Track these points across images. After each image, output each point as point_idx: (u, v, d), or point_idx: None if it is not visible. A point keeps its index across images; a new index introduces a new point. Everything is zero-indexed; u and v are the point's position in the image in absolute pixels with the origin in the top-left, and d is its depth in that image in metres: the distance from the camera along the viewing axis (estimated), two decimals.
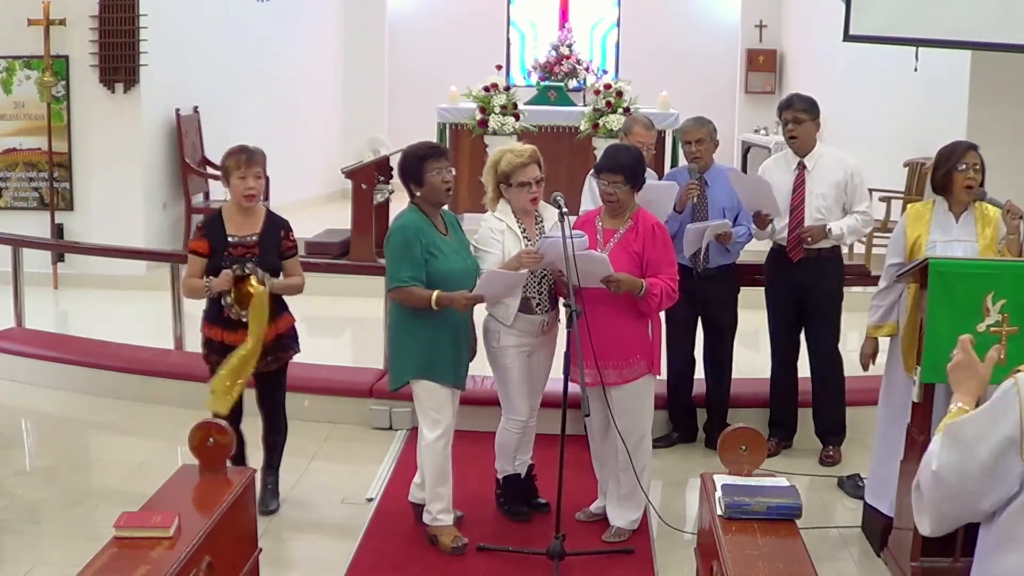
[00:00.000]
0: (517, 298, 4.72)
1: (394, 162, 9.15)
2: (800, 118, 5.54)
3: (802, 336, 5.80)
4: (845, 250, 6.20)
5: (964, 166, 4.61)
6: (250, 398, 5.09)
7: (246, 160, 4.82)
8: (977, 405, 2.55)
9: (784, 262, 5.64)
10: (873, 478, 4.93)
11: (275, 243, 4.91)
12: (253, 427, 5.11)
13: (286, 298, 5.04)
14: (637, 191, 4.74)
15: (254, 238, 4.86)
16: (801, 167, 5.59)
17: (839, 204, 5.55)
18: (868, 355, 5.01)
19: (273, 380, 5.07)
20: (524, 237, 4.74)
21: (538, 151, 4.79)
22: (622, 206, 4.69)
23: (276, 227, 4.95)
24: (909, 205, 5.04)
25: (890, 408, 4.83)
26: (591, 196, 5.64)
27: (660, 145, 9.66)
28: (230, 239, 4.84)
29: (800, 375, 5.87)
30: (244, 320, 4.79)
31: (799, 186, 5.57)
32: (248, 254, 4.83)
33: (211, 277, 4.80)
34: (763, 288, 5.88)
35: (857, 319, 5.94)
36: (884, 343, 4.94)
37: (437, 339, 4.63)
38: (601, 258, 4.53)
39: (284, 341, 5.01)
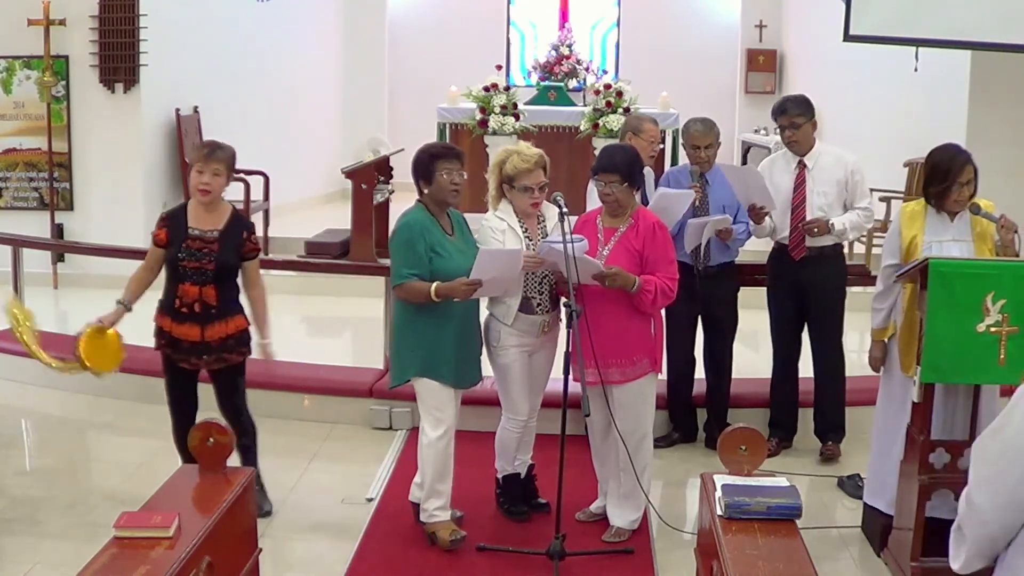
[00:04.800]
0: (518, 297, 4.72)
1: (394, 162, 9.23)
2: (797, 122, 5.54)
3: (803, 336, 5.81)
4: (846, 249, 6.20)
5: (960, 186, 4.56)
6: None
7: (206, 155, 4.79)
8: None
9: (786, 261, 5.63)
10: (871, 477, 4.93)
11: (236, 242, 4.86)
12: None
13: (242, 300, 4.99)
14: (636, 189, 4.75)
15: (215, 234, 4.82)
16: (801, 166, 5.59)
17: (840, 201, 5.56)
18: (878, 359, 4.92)
19: (227, 383, 4.97)
20: (526, 237, 4.74)
21: (545, 156, 4.78)
22: (621, 205, 4.69)
23: (239, 227, 4.91)
24: (903, 205, 5.02)
25: (888, 407, 4.83)
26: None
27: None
28: (190, 231, 4.81)
29: (800, 375, 5.87)
30: (196, 312, 4.80)
31: (800, 185, 5.57)
32: (206, 249, 4.80)
33: (123, 303, 4.86)
34: (764, 288, 5.88)
35: (858, 319, 5.94)
36: None
37: (440, 338, 4.63)
38: (594, 264, 4.53)
39: (230, 343, 4.88)
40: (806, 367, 5.84)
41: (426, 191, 4.69)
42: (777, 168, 5.70)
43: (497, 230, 4.73)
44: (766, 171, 5.74)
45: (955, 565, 2.39)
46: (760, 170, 5.83)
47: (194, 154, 4.87)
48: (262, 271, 5.04)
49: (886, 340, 4.89)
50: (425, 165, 4.66)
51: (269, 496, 5.13)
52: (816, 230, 5.50)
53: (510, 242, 4.70)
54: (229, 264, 4.85)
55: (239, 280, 4.95)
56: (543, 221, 4.84)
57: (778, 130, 5.76)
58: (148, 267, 4.92)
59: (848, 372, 5.78)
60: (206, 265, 4.78)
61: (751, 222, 5.63)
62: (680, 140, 7.01)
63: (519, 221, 4.76)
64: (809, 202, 5.54)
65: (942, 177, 4.58)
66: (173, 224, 4.86)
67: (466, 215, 4.93)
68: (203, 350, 4.84)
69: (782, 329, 5.78)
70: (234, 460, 4.84)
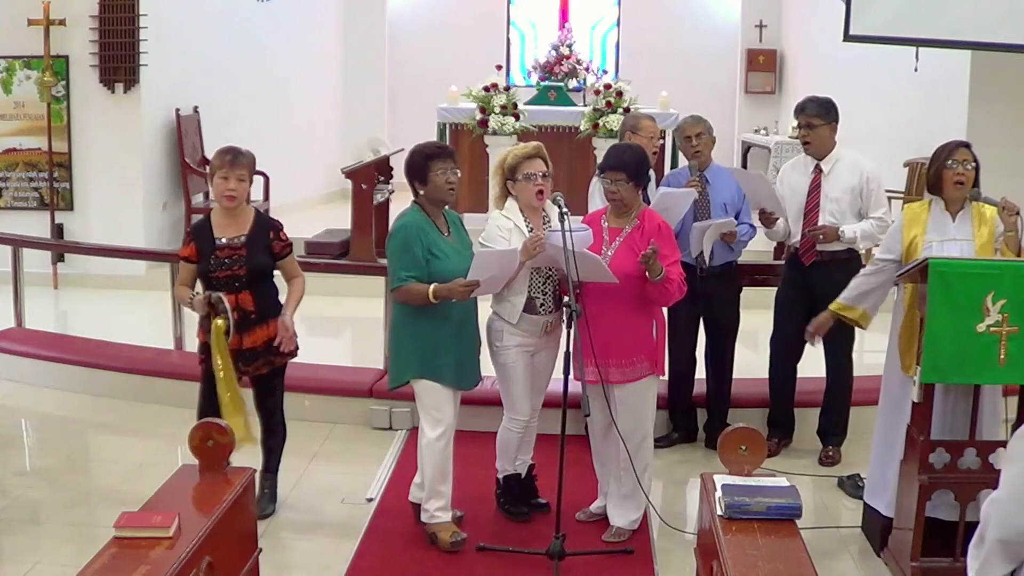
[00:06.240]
0: (523, 296, 4.72)
1: (394, 162, 9.23)
2: (813, 123, 5.51)
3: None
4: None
5: (953, 163, 4.61)
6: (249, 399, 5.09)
7: (230, 161, 4.78)
8: None
9: (800, 266, 5.61)
10: (872, 478, 4.93)
11: (264, 244, 4.86)
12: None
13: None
14: (642, 189, 4.76)
15: (241, 239, 4.83)
16: (818, 170, 5.55)
17: (854, 209, 5.50)
18: (818, 323, 5.05)
19: (267, 384, 5.03)
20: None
21: (543, 147, 4.80)
22: (627, 204, 4.69)
23: (265, 228, 4.90)
24: (906, 205, 5.03)
25: (889, 407, 4.82)
26: (600, 197, 5.65)
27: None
28: (218, 242, 4.82)
29: (800, 375, 5.87)
30: (235, 320, 4.78)
31: (815, 189, 5.54)
32: (235, 255, 4.80)
33: (196, 293, 4.80)
34: (763, 288, 5.87)
35: None
36: (883, 342, 4.93)
37: (438, 338, 4.63)
38: (596, 259, 4.53)
39: (275, 346, 4.91)
40: (806, 368, 5.84)
41: (422, 192, 4.69)
42: (795, 171, 5.68)
43: (503, 228, 4.73)
44: (786, 173, 5.75)
45: (971, 574, 2.38)
46: (781, 172, 5.83)
47: (217, 161, 4.82)
48: None
49: (834, 314, 4.95)
50: (419, 166, 4.66)
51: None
52: (822, 236, 5.48)
53: (515, 241, 4.69)
54: (260, 266, 4.85)
55: (275, 281, 4.97)
56: (548, 221, 4.83)
57: (796, 128, 5.76)
58: (183, 283, 4.90)
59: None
60: (237, 271, 4.79)
61: (760, 224, 5.63)
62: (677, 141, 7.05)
63: (524, 220, 4.77)
64: (822, 207, 5.50)
65: (936, 158, 4.67)
66: (200, 238, 4.85)
67: (465, 215, 4.93)
68: (248, 357, 4.86)
69: (786, 330, 5.75)
70: (253, 458, 4.91)
